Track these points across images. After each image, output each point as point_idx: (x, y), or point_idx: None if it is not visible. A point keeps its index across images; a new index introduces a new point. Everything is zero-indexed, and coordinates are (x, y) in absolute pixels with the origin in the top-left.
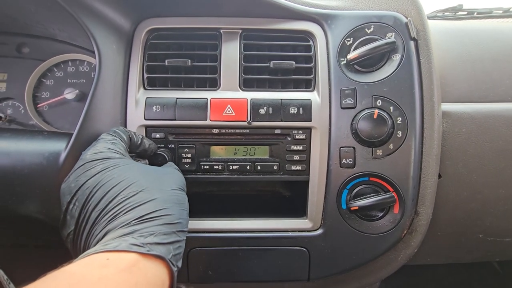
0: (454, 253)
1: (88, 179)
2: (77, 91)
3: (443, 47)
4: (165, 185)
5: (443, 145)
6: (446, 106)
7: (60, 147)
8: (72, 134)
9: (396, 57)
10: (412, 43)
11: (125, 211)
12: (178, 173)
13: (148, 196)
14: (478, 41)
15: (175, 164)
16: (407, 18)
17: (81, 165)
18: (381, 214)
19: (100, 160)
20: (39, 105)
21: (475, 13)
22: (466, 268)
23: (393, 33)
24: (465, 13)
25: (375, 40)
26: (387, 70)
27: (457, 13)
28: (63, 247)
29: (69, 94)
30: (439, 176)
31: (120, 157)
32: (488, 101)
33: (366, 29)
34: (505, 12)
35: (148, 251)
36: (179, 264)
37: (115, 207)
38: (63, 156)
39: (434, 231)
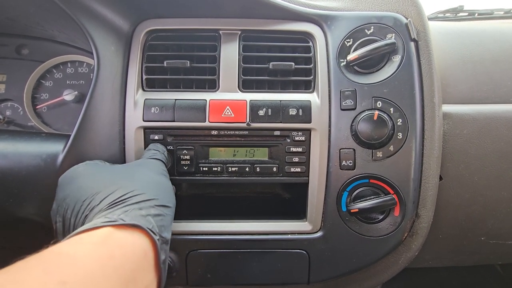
0: (456, 256)
1: (64, 194)
2: (76, 92)
3: (444, 48)
4: (136, 174)
5: (444, 147)
6: (447, 108)
7: (58, 148)
8: (70, 135)
9: (396, 58)
10: (412, 44)
11: (96, 204)
12: (152, 161)
13: (117, 186)
14: (479, 42)
15: (173, 165)
16: (407, 18)
17: (58, 187)
18: (381, 217)
19: (70, 175)
20: (38, 107)
21: (476, 14)
22: (469, 271)
23: (393, 34)
24: (466, 14)
25: (375, 41)
26: (387, 71)
27: (458, 14)
28: None
29: (68, 96)
30: (440, 178)
31: (86, 165)
32: (490, 102)
33: (366, 30)
34: (506, 13)
35: (121, 222)
36: (166, 235)
37: (87, 205)
38: (60, 157)
39: (436, 234)
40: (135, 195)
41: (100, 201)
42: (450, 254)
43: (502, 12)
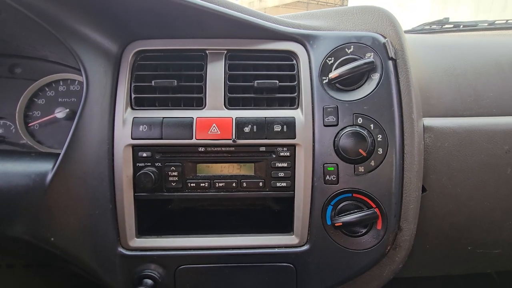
0: (445, 265)
1: None
2: (67, 110)
3: (428, 62)
4: None
5: (427, 159)
6: (429, 121)
7: (47, 168)
8: (59, 154)
9: (375, 76)
10: (390, 63)
11: None
12: None
13: None
14: (462, 55)
15: (161, 182)
16: (385, 38)
17: None
18: (364, 230)
19: None
20: (30, 124)
21: (461, 26)
22: (463, 278)
23: (372, 53)
24: (452, 26)
25: (355, 59)
26: (367, 88)
27: (443, 26)
28: (49, 266)
29: (60, 113)
30: (425, 189)
31: None
32: (473, 113)
33: (346, 49)
34: (490, 24)
35: None
36: None
37: None
38: (49, 176)
39: (423, 244)
40: None
41: None
42: (439, 264)
43: (486, 24)
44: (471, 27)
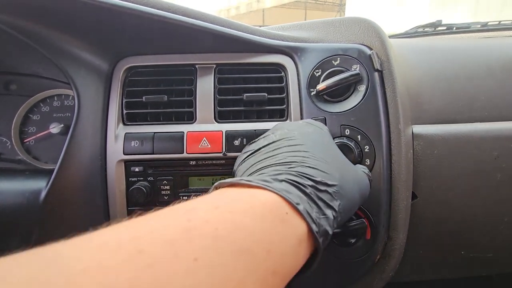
0: (439, 269)
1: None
2: (62, 125)
3: (421, 67)
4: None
5: (417, 166)
6: (418, 128)
7: (41, 185)
8: (53, 171)
9: (362, 88)
10: (376, 74)
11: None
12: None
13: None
14: (453, 58)
15: (154, 196)
16: (371, 50)
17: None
18: (353, 241)
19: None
20: (25, 140)
21: (454, 28)
22: (462, 280)
23: (358, 65)
24: (445, 28)
25: (342, 71)
26: (354, 100)
27: (436, 29)
28: None
29: (54, 129)
30: (415, 196)
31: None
32: (465, 117)
33: (333, 61)
34: (483, 26)
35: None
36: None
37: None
38: (43, 194)
39: (416, 250)
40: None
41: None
42: (433, 268)
43: (479, 26)
44: (464, 29)
